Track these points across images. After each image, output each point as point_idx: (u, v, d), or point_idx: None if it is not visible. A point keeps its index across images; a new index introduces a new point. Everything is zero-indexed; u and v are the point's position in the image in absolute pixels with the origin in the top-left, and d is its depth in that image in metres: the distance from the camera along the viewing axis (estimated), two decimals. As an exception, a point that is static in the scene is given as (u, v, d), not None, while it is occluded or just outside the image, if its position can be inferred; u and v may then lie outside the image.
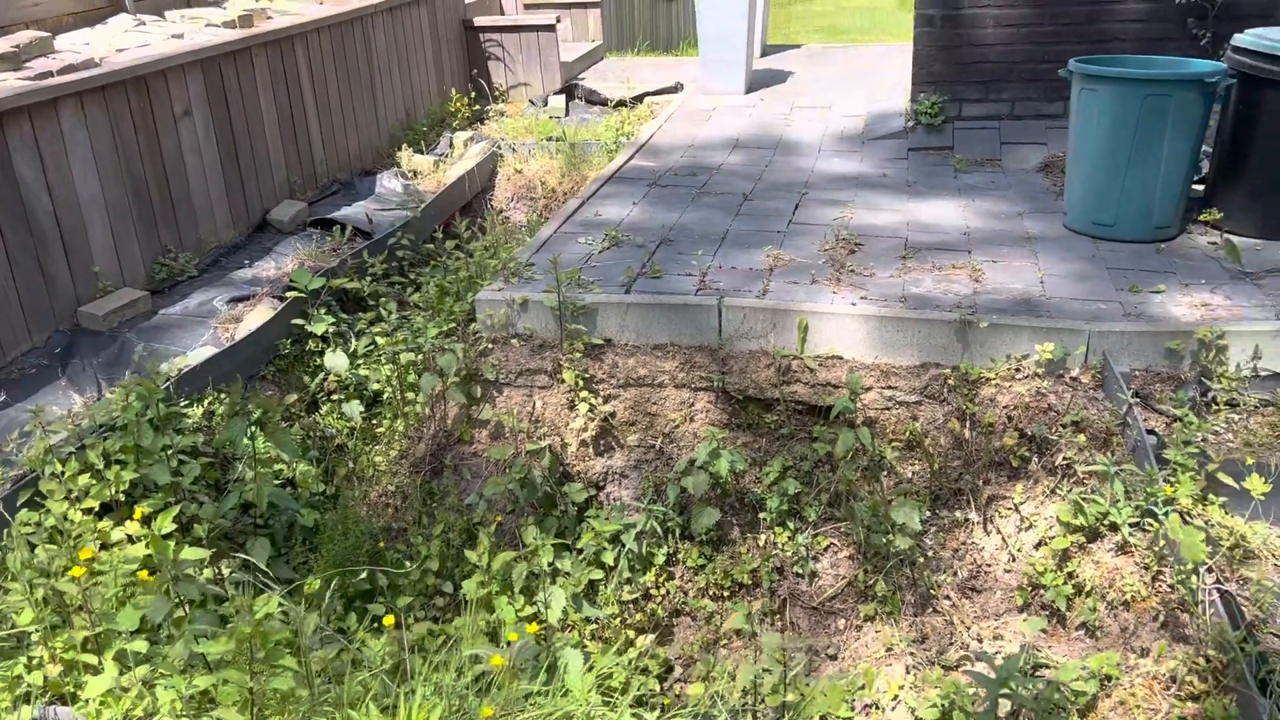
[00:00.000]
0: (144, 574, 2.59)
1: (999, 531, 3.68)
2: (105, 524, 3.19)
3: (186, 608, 2.53)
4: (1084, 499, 3.36)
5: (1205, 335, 3.60)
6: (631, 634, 3.75)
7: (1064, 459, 3.55)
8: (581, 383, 4.15)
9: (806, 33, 16.83)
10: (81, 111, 4.41)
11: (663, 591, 3.84)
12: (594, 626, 3.71)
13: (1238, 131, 4.46)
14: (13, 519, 3.09)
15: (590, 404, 4.13)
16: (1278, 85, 4.24)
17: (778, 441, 4.04)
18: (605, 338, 4.23)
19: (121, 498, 3.32)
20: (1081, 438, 3.55)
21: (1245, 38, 4.38)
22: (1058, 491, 3.56)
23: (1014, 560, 3.59)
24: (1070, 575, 3.36)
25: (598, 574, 3.71)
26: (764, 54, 9.47)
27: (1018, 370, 3.78)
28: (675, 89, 8.23)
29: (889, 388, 3.91)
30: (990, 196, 5.30)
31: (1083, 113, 4.56)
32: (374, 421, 4.59)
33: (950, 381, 3.83)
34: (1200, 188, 4.81)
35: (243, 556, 3.37)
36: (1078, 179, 4.66)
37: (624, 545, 3.77)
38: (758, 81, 8.19)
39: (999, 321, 3.79)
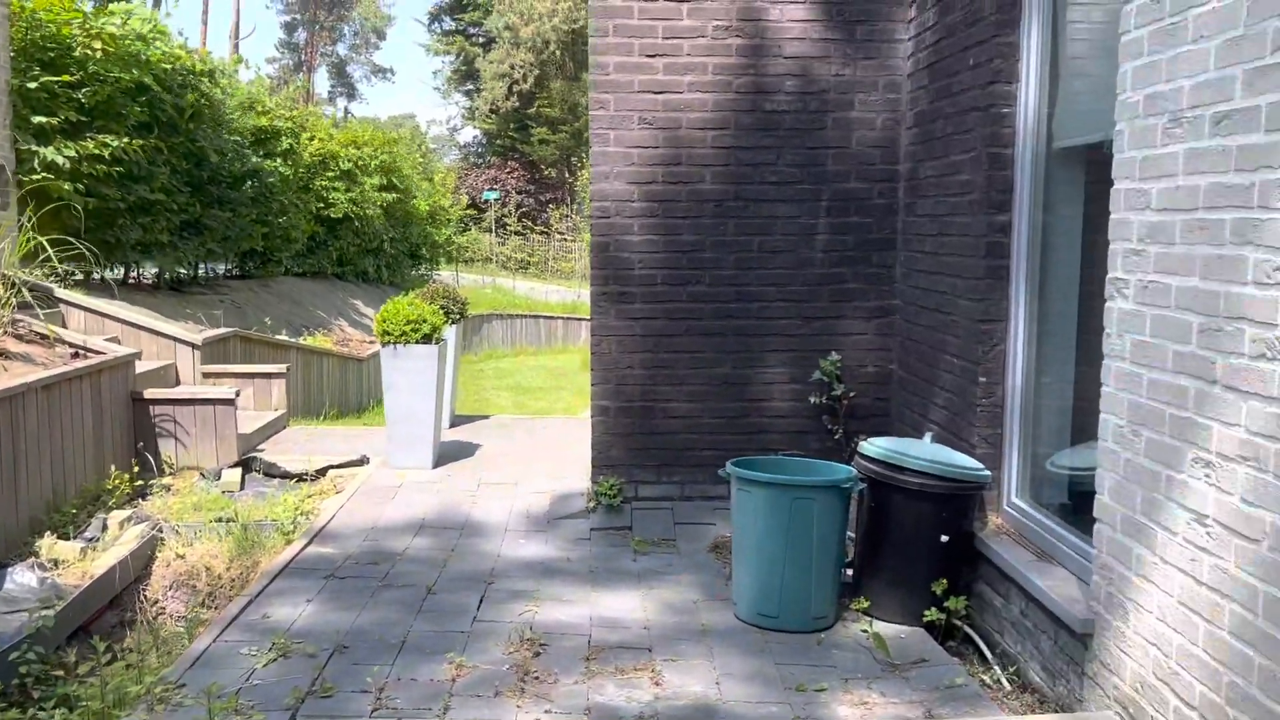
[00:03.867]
0: None
1: None
2: None
3: None
4: None
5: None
6: None
7: None
8: (233, 834, 3.62)
9: (495, 390, 17.65)
10: None
11: None
12: None
13: (871, 528, 5.01)
14: None
15: None
16: (897, 488, 4.86)
17: None
18: (265, 775, 3.77)
19: None
20: None
21: (870, 447, 5.04)
22: None
23: None
24: None
25: None
26: (453, 424, 9.70)
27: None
28: (361, 462, 8.15)
29: (577, 812, 3.72)
30: (667, 583, 5.50)
31: (741, 509, 4.96)
32: None
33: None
34: (850, 571, 5.25)
35: None
36: (743, 572, 4.97)
37: None
38: (445, 455, 8.31)
39: (680, 734, 3.78)
